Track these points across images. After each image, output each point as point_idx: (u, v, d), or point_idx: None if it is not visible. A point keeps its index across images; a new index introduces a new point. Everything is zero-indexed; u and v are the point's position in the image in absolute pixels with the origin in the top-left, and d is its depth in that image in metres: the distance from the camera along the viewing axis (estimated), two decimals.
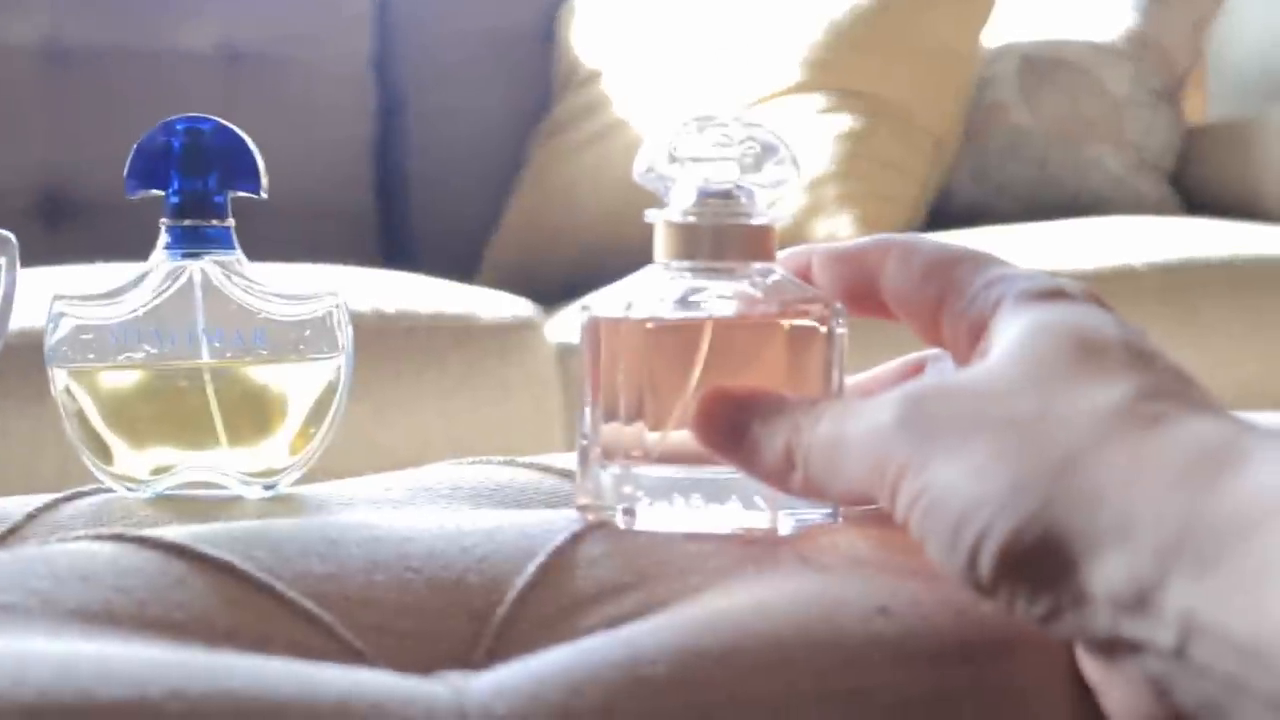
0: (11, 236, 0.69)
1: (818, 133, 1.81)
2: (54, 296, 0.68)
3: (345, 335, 0.68)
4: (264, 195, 0.68)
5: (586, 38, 1.97)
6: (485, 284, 1.79)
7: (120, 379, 0.68)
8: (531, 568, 0.56)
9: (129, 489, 0.68)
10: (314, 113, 2.02)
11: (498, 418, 1.43)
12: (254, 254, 1.88)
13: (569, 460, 0.75)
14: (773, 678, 0.48)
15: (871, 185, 1.78)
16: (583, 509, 0.58)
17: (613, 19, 1.96)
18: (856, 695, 0.48)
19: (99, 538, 0.56)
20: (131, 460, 0.68)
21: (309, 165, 2.00)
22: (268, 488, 0.68)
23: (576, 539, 0.57)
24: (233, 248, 0.68)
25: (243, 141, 0.68)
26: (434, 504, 0.68)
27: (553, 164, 1.94)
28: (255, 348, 0.67)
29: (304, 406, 0.67)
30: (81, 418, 0.68)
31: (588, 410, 0.57)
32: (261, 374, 0.68)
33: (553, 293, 1.72)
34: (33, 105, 1.90)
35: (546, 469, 0.72)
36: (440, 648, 0.53)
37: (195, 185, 0.67)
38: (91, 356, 0.68)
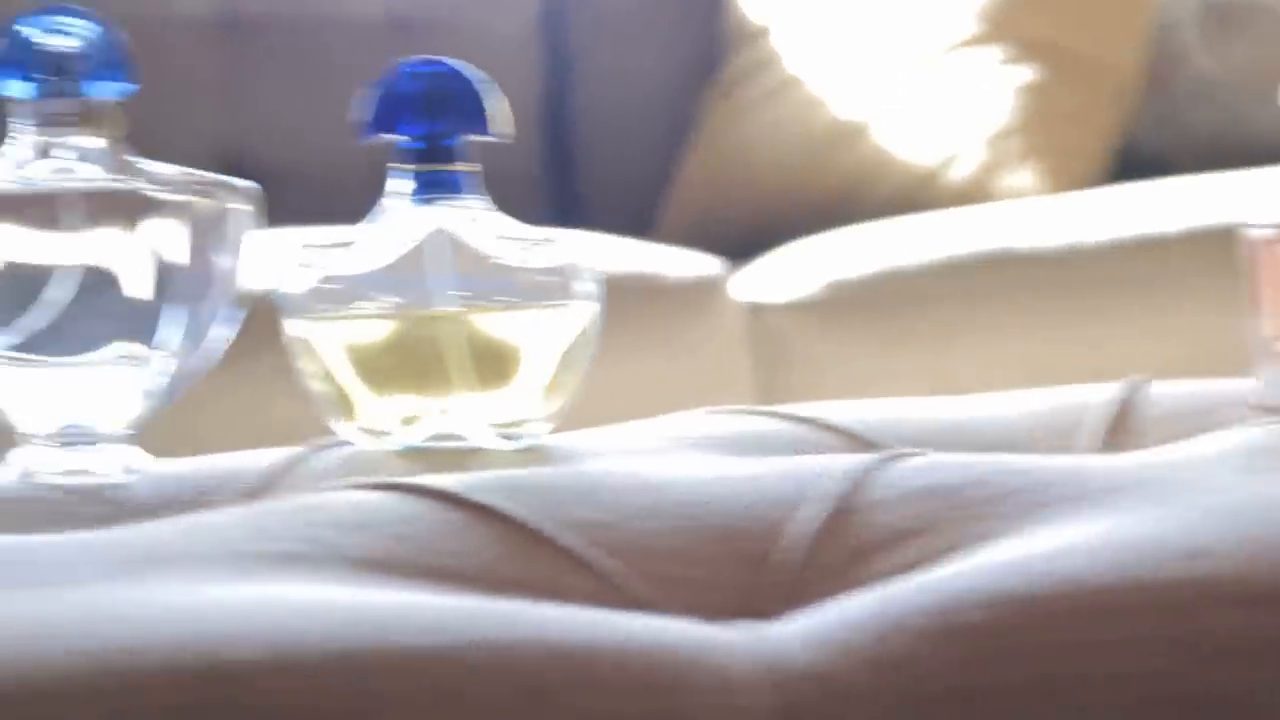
0: (254, 185, 0.68)
1: (997, 85, 1.77)
2: (301, 245, 0.67)
3: (591, 283, 0.66)
4: (502, 139, 0.67)
5: None
6: (660, 243, 1.77)
7: (361, 329, 0.66)
8: (814, 514, 0.54)
9: (376, 442, 0.67)
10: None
11: (684, 376, 1.42)
12: None
13: (810, 409, 0.72)
14: (1095, 623, 0.45)
15: (1054, 138, 1.74)
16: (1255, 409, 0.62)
17: None
18: (1180, 641, 0.46)
19: (373, 486, 0.54)
20: (375, 411, 0.66)
21: None
22: (513, 438, 0.66)
23: (854, 484, 0.55)
24: (471, 192, 0.66)
25: (480, 84, 0.66)
26: (689, 453, 0.66)
27: (726, 122, 1.92)
28: (499, 295, 0.65)
29: (548, 356, 0.66)
30: (321, 369, 0.66)
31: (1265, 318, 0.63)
32: (505, 322, 0.66)
33: (730, 251, 1.70)
34: (206, 75, 1.91)
35: (792, 417, 0.70)
36: (725, 595, 0.52)
37: (434, 129, 0.66)
38: (329, 306, 0.67)
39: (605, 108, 2.02)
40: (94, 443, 0.66)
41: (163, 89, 1.89)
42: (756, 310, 1.48)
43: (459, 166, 0.66)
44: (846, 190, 1.80)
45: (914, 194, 1.76)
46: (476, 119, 0.66)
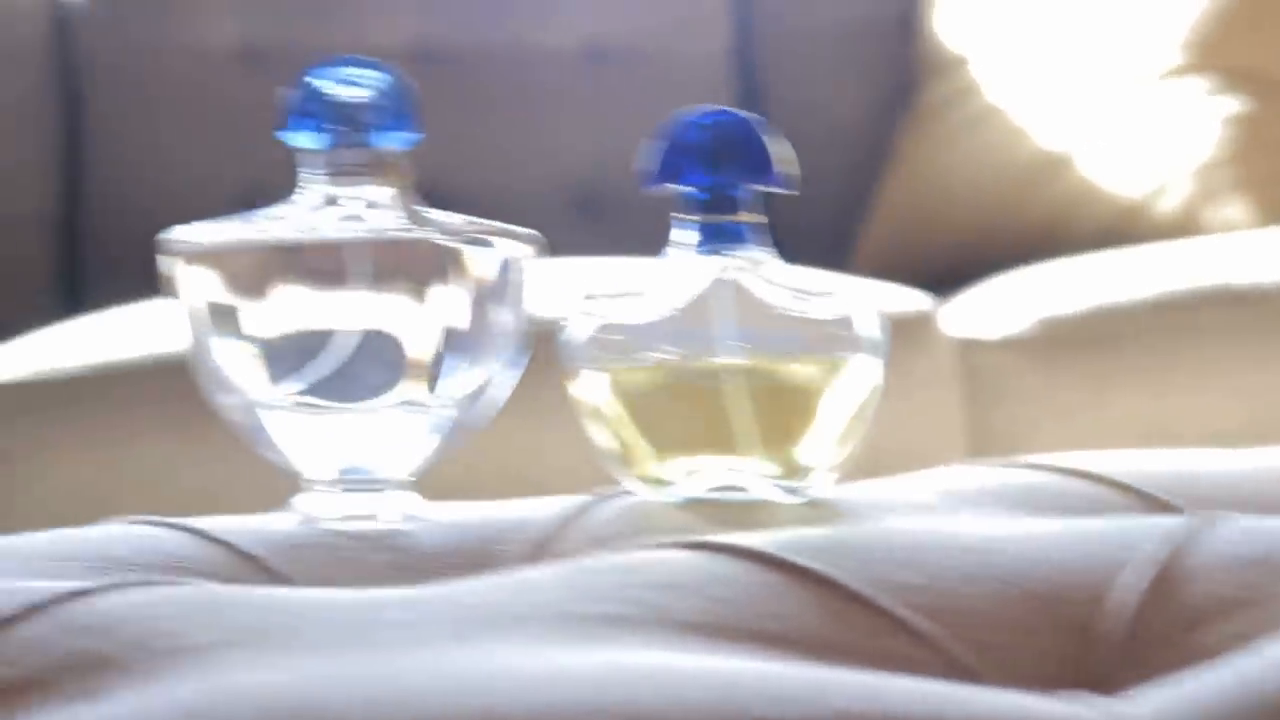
0: (536, 234, 0.68)
1: (1205, 116, 1.74)
2: (581, 296, 0.67)
3: (875, 334, 0.65)
4: (790, 190, 0.66)
5: (950, 23, 1.92)
6: (856, 275, 1.76)
7: (644, 379, 0.66)
8: (1137, 580, 0.52)
9: (657, 493, 0.66)
10: (673, 106, 2.01)
11: (896, 413, 1.40)
12: (621, 248, 1.87)
13: (1076, 460, 0.71)
14: None
15: (1266, 169, 1.70)
16: None
17: (978, 2, 1.91)
18: None
19: (685, 546, 0.54)
20: (655, 462, 0.66)
21: None
22: (795, 492, 0.66)
23: (1173, 550, 0.54)
24: (759, 244, 0.66)
25: (761, 135, 0.66)
26: (975, 509, 0.65)
27: (923, 153, 1.90)
28: (784, 347, 0.65)
29: (835, 409, 0.65)
30: (603, 419, 0.66)
31: None
32: (791, 374, 0.65)
33: (927, 283, 1.68)
34: (232, 107, 1.92)
35: (1061, 470, 0.69)
36: (1051, 664, 0.51)
37: (721, 179, 0.65)
38: (611, 356, 0.66)
39: (797, 137, 2.00)
40: (375, 489, 0.67)
41: (189, 118, 1.92)
42: (967, 346, 1.46)
43: (744, 217, 0.65)
44: (1050, 222, 1.78)
45: (1120, 227, 1.73)
46: (763, 169, 0.65)
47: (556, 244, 2.02)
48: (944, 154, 1.86)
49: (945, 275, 1.81)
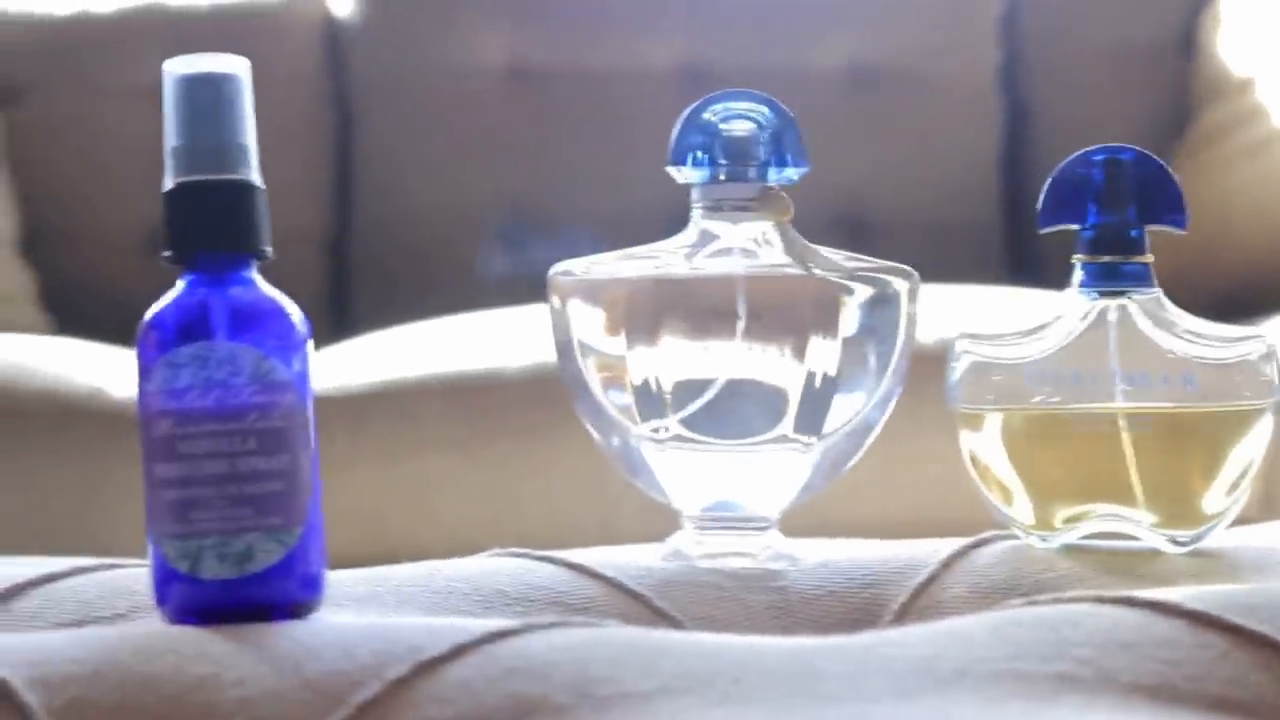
0: (912, 271, 0.66)
1: None
2: (959, 334, 0.65)
3: (1274, 378, 0.63)
4: (1185, 230, 0.64)
5: (1234, 45, 1.87)
6: None
7: (1029, 422, 0.64)
8: None
9: (1040, 539, 0.65)
10: (941, 129, 1.99)
11: None
12: None
13: None
14: None
15: None
16: None
17: (1266, 24, 1.85)
18: None
19: (1104, 600, 0.52)
20: (1038, 507, 0.64)
21: (936, 182, 1.97)
22: (1189, 542, 0.63)
23: None
24: (1152, 285, 0.64)
25: (1165, 171, 0.64)
26: None
27: (1204, 177, 1.85)
28: (1180, 392, 0.63)
29: (1230, 456, 0.63)
30: (985, 461, 0.65)
31: None
32: (1185, 421, 0.63)
33: (1207, 311, 1.63)
34: (499, 125, 1.92)
35: None
36: None
37: (1114, 219, 0.63)
38: (993, 398, 0.65)
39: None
40: (745, 527, 0.66)
41: (458, 137, 1.93)
42: None
43: (1139, 258, 0.63)
44: None
45: None
46: (1160, 207, 0.63)
47: None
48: (1226, 178, 1.81)
49: (1227, 303, 1.76)
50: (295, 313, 0.57)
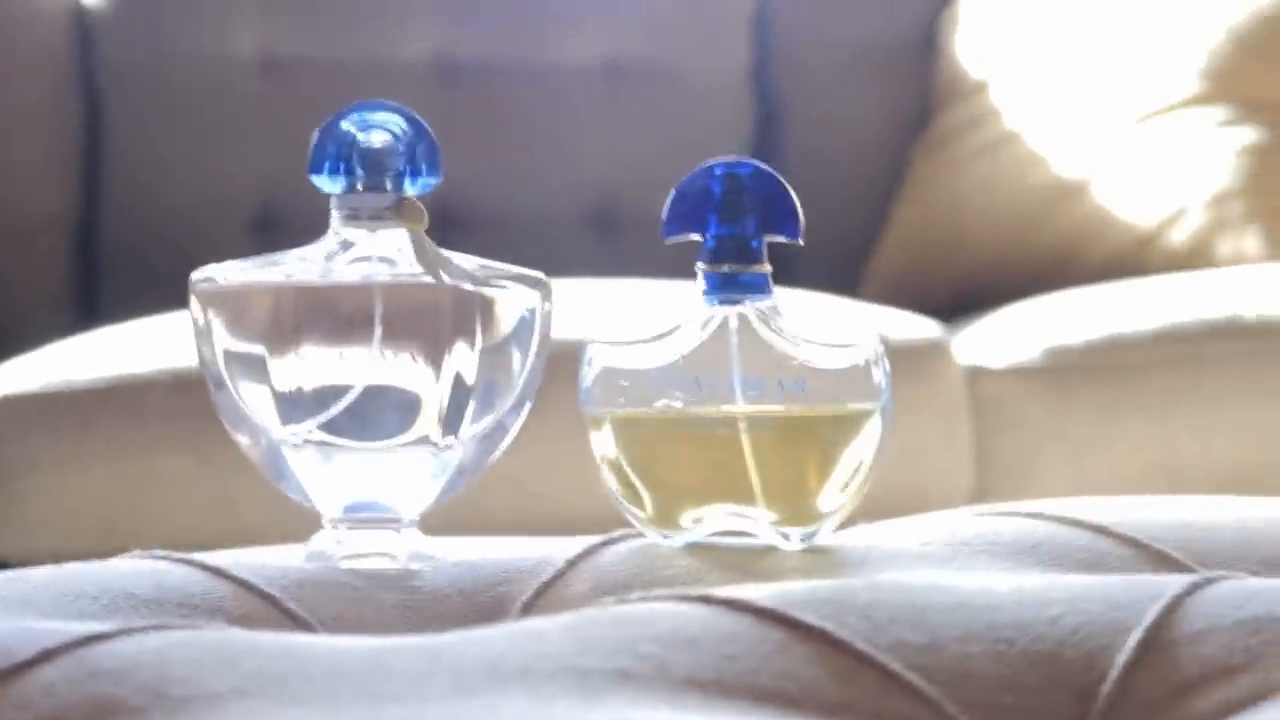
0: (544, 277, 0.69)
1: (1219, 147, 1.75)
2: (588, 341, 0.68)
3: (886, 382, 0.66)
4: (801, 241, 0.67)
5: (971, 47, 1.93)
6: (866, 299, 1.76)
7: (653, 425, 0.67)
8: (1131, 643, 0.53)
9: (664, 536, 0.67)
10: (692, 124, 2.02)
11: (903, 445, 1.41)
12: (636, 266, 1.87)
13: (1087, 511, 0.72)
14: None
15: (1278, 202, 1.71)
16: None
17: (1000, 27, 1.91)
18: None
19: (689, 599, 0.55)
20: (663, 507, 0.67)
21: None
22: (804, 539, 0.67)
23: (1170, 611, 0.55)
24: (769, 293, 0.67)
25: (782, 186, 0.67)
26: (976, 560, 0.66)
27: (938, 176, 1.91)
28: (794, 396, 0.66)
29: (842, 457, 0.66)
30: (614, 462, 0.67)
31: None
32: (800, 423, 0.66)
33: (938, 309, 1.69)
34: (251, 116, 1.93)
35: (1076, 523, 0.70)
36: None
37: (734, 230, 0.66)
38: (623, 401, 0.67)
39: (814, 158, 2.01)
40: (386, 527, 0.68)
41: (209, 127, 1.93)
42: (975, 374, 1.47)
43: (757, 268, 0.66)
44: (1063, 250, 1.79)
45: (1133, 256, 1.74)
46: (777, 220, 0.66)
47: (571, 261, 2.01)
48: (958, 179, 1.87)
49: (957, 301, 1.82)
50: None
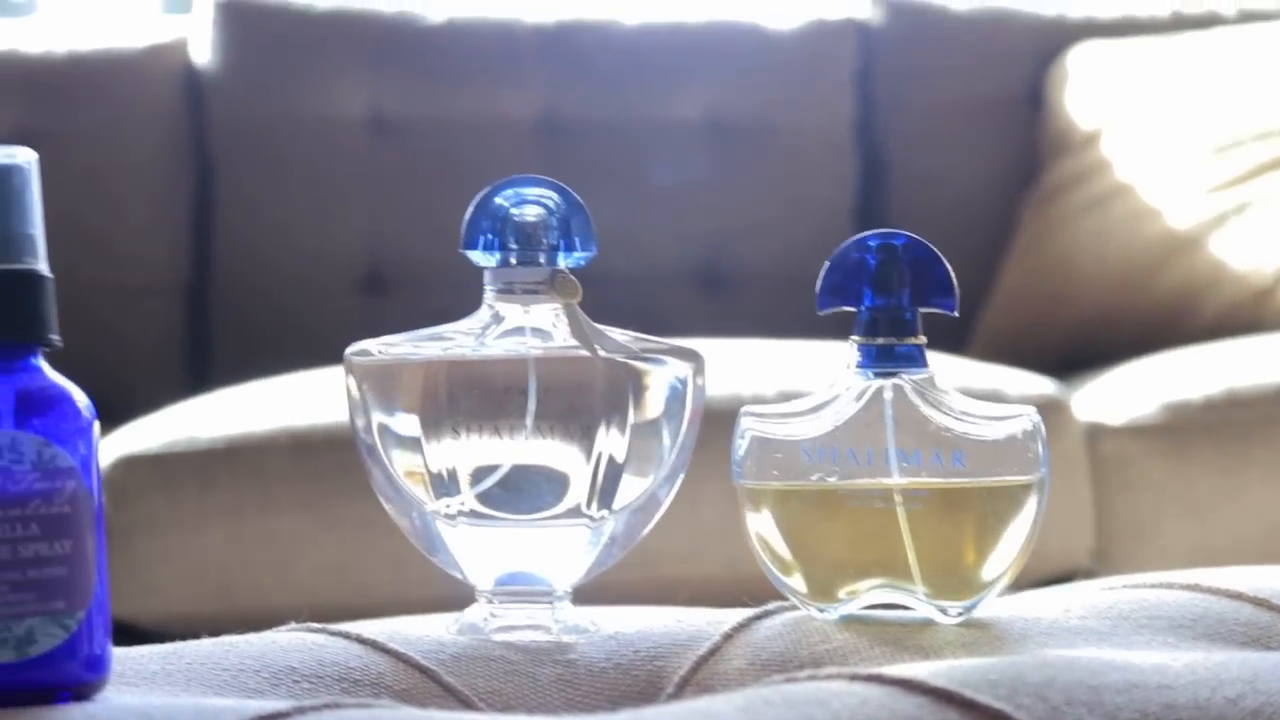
0: (698, 351, 0.68)
1: None
2: (741, 411, 0.68)
3: (1044, 454, 0.65)
4: (956, 313, 0.67)
5: (1081, 100, 1.92)
6: (976, 355, 1.75)
7: (809, 499, 0.67)
8: None
9: (819, 610, 0.67)
10: (797, 180, 2.02)
11: None
12: (741, 324, 1.87)
13: (1255, 582, 0.71)
14: None
15: None
16: None
17: (1111, 80, 1.90)
18: None
19: (855, 677, 0.54)
20: (818, 580, 0.67)
21: (792, 234, 2.00)
22: (961, 613, 0.66)
23: None
24: (924, 365, 0.66)
25: (935, 255, 0.67)
26: (1138, 634, 0.65)
27: (1048, 231, 1.89)
28: (951, 469, 0.65)
29: (1001, 529, 0.65)
30: (768, 536, 0.67)
31: None
32: (958, 497, 0.66)
33: (1049, 366, 1.67)
34: (359, 176, 1.94)
35: (1238, 596, 0.69)
36: None
37: (889, 302, 0.66)
38: (776, 474, 0.67)
39: (920, 215, 2.00)
40: (537, 600, 0.68)
41: (318, 187, 1.94)
42: (1094, 432, 1.45)
43: (912, 340, 0.66)
44: (1177, 304, 1.77)
45: (1249, 310, 1.72)
46: (932, 290, 0.66)
47: (676, 317, 2.01)
48: (1069, 232, 1.86)
49: (1068, 357, 1.80)
50: (81, 398, 0.58)
